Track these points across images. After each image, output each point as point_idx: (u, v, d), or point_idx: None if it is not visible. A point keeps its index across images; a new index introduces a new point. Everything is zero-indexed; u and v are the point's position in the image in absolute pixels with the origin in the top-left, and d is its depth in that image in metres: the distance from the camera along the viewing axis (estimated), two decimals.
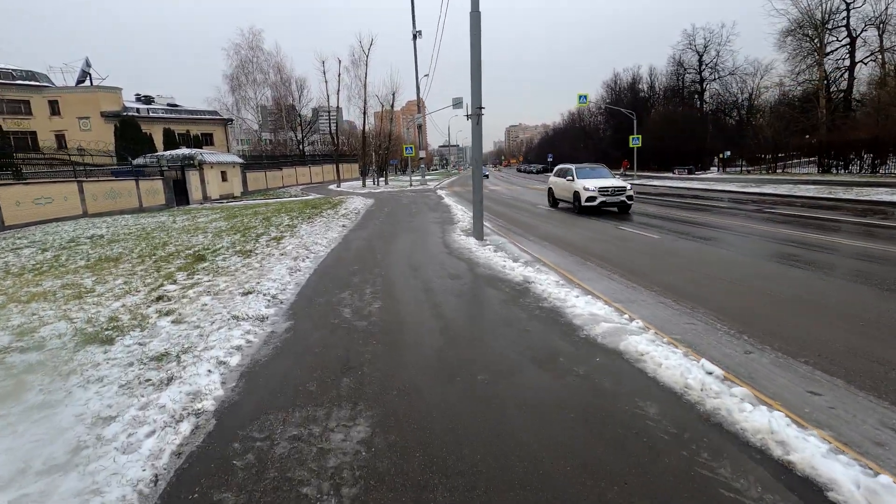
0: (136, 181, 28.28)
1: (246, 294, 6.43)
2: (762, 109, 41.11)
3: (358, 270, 8.33)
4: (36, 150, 43.77)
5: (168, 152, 34.89)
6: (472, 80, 10.66)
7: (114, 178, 26.99)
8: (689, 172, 39.80)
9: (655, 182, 34.17)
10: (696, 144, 42.75)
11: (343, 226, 14.42)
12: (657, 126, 46.57)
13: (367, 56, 43.23)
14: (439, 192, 32.80)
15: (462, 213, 17.16)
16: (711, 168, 42.32)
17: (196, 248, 10.95)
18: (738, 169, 37.95)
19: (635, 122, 39.31)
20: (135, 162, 33.80)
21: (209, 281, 7.37)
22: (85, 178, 24.56)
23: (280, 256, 9.51)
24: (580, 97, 38.36)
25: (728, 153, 38.86)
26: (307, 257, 9.39)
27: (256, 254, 9.90)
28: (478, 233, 11.29)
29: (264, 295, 6.38)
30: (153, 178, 30.24)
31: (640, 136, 38.45)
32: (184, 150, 35.41)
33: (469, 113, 10.98)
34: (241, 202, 32.55)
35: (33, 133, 45.16)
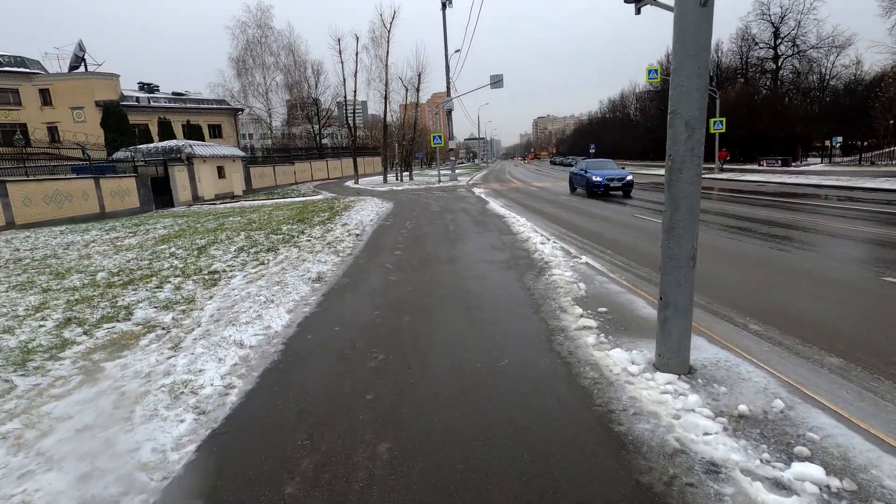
0: (96, 180, 21.55)
1: None
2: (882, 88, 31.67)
3: None
4: (27, 144, 38.01)
5: (148, 145, 28.23)
6: None
7: (62, 177, 20.27)
8: (784, 164, 30.91)
9: (754, 177, 25.62)
10: (786, 130, 33.62)
11: (317, 278, 6.90)
12: (732, 109, 37.47)
13: (389, 32, 35.48)
14: (476, 190, 25.07)
15: (537, 238, 9.46)
16: (808, 159, 33.33)
17: None
18: (857, 159, 28.95)
19: (718, 102, 30.61)
20: (115, 156, 27.29)
21: None
22: (10, 178, 17.87)
23: None
24: (649, 71, 29.92)
25: (839, 139, 29.86)
26: None
27: None
28: (678, 351, 3.55)
29: None
30: (122, 176, 23.50)
31: (723, 120, 29.83)
32: (169, 142, 28.69)
33: None
34: (236, 203, 25.66)
35: (23, 125, 39.33)
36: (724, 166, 31.96)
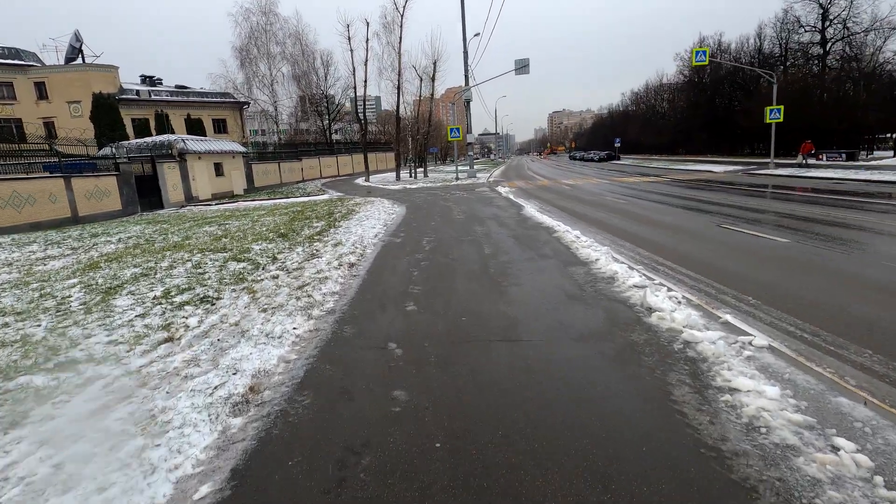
0: (66, 179, 18.45)
1: None
2: None
3: None
4: (22, 140, 35.33)
5: (135, 140, 25.17)
6: None
7: (21, 177, 17.19)
8: (850, 158, 26.67)
9: (830, 174, 21.52)
10: (848, 121, 29.28)
11: (243, 396, 3.40)
12: (781, 97, 33.09)
13: (402, 17, 31.88)
14: (501, 190, 21.45)
15: (629, 275, 5.85)
16: (875, 152, 29.08)
17: None
18: None
19: (775, 88, 26.39)
20: (101, 152, 24.28)
21: None
22: None
23: None
24: (697, 52, 25.85)
25: None
26: None
27: None
28: None
29: None
30: (101, 175, 20.39)
31: (781, 108, 25.69)
32: (158, 137, 25.59)
33: None
34: (231, 205, 22.45)
35: (18, 120, 36.65)
36: (777, 160, 27.71)
